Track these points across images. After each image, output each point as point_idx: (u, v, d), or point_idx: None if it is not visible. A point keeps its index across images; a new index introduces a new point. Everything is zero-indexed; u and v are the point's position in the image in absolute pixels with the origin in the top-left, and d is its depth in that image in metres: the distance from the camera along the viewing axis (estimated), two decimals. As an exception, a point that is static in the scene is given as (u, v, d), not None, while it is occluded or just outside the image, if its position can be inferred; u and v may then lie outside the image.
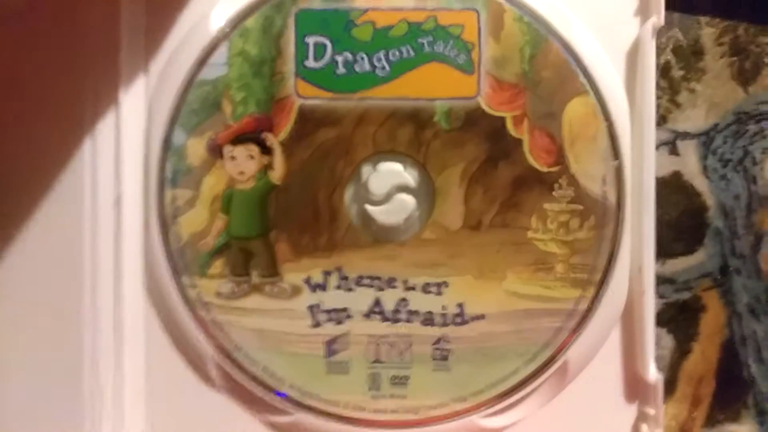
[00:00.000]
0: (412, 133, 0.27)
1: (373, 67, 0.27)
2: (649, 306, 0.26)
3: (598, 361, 0.27)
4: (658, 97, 0.30)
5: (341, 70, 0.27)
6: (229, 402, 0.27)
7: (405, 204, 0.27)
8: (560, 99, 0.27)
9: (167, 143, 0.27)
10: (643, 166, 0.26)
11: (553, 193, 0.27)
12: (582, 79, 0.26)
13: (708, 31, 0.31)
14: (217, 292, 0.27)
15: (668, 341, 0.31)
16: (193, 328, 0.27)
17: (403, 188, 0.27)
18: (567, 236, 0.27)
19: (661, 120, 0.31)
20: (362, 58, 0.27)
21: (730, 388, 0.31)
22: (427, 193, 0.27)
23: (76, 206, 0.27)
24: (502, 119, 0.27)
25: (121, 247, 0.27)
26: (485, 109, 0.27)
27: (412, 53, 0.27)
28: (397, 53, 0.27)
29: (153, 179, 0.27)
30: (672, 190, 0.31)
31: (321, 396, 0.27)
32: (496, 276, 0.27)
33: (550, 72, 0.27)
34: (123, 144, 0.27)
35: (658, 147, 0.31)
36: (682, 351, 0.31)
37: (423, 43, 0.27)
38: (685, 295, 0.31)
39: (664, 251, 0.31)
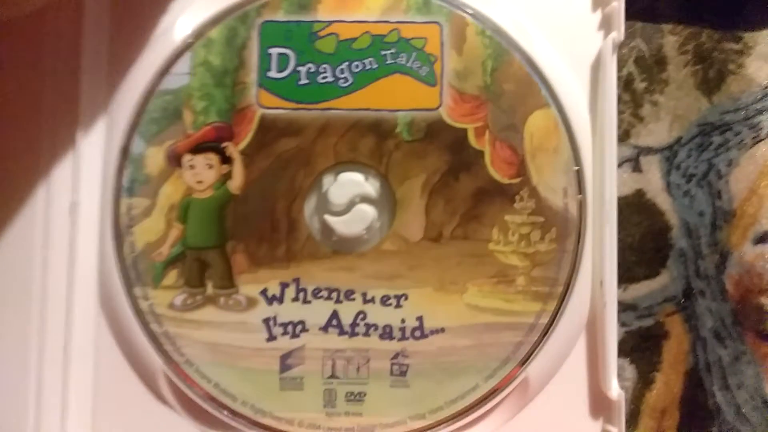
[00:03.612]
0: (374, 143, 0.27)
1: (336, 78, 0.27)
2: (611, 320, 0.26)
3: (561, 378, 0.26)
4: (621, 112, 0.30)
5: (304, 80, 0.27)
6: (179, 418, 0.26)
7: (365, 214, 0.27)
8: (522, 111, 0.26)
9: (126, 152, 0.26)
10: (605, 176, 0.26)
11: (515, 205, 0.26)
12: (544, 92, 0.26)
13: (671, 39, 0.30)
14: (170, 304, 0.26)
15: (630, 372, 0.30)
16: (144, 341, 0.26)
17: (364, 198, 0.27)
18: (528, 248, 0.26)
19: (624, 135, 0.30)
20: (325, 69, 0.27)
21: (694, 419, 0.29)
22: (388, 204, 0.27)
23: (29, 211, 0.26)
24: (464, 131, 0.26)
25: (75, 256, 0.26)
26: (447, 120, 0.26)
27: (375, 65, 0.27)
28: (360, 65, 0.27)
29: (109, 188, 0.26)
30: (634, 210, 0.30)
31: (274, 413, 0.26)
32: (456, 288, 0.26)
33: (511, 85, 0.26)
34: (81, 151, 0.26)
35: (621, 164, 0.30)
36: (644, 382, 0.29)
37: (386, 55, 0.27)
38: (648, 322, 0.30)
39: (626, 276, 0.30)
